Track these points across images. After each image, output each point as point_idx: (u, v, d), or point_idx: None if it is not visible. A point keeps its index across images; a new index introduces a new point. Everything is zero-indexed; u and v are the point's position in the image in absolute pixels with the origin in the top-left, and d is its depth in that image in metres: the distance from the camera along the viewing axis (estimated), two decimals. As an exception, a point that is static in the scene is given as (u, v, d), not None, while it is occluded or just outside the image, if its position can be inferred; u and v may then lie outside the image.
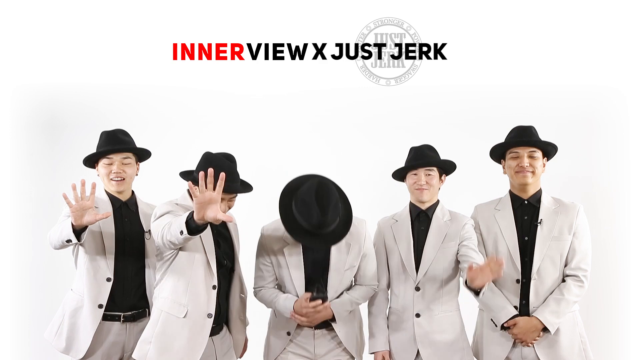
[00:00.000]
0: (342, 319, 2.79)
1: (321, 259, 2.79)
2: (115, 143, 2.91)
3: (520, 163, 2.87)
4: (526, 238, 2.86)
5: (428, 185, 2.91)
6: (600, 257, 3.01)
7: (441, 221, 2.92)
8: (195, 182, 2.50)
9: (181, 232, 2.31)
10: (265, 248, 2.84)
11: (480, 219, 2.98)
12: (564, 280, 2.83)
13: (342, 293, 2.83)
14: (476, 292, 2.67)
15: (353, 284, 2.91)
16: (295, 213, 2.66)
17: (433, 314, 2.88)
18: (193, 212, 2.29)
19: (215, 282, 2.62)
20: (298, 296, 2.77)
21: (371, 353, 2.98)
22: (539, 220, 2.85)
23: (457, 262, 2.89)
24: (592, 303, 2.90)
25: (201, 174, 2.25)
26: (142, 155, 3.02)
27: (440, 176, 2.96)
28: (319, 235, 2.66)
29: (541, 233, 2.84)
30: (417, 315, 2.88)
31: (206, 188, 2.26)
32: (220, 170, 2.35)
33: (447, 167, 2.97)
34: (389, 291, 3.02)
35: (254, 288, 2.90)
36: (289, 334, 2.83)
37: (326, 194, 2.64)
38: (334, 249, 2.79)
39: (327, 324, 2.79)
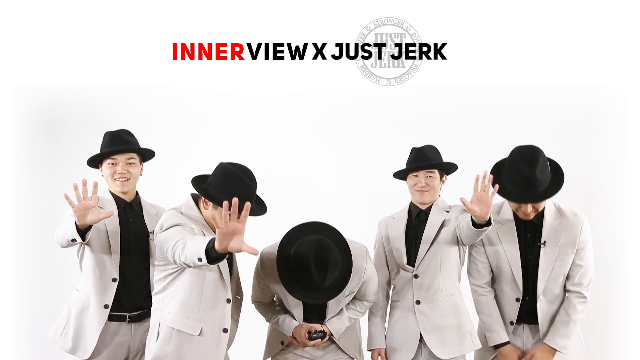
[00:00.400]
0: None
1: None
2: (119, 143, 2.90)
3: (524, 211, 2.77)
4: (529, 256, 2.82)
5: (429, 187, 2.91)
6: (600, 257, 3.00)
7: (440, 210, 2.92)
8: (210, 197, 2.44)
9: (199, 259, 2.17)
10: (263, 273, 2.75)
11: None
12: (565, 293, 2.83)
13: (341, 309, 2.81)
14: (488, 224, 2.60)
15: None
16: (294, 273, 2.55)
17: (434, 299, 2.86)
18: (213, 239, 2.14)
19: (229, 296, 2.56)
20: (296, 318, 2.76)
21: (369, 350, 2.99)
22: (542, 242, 2.80)
23: (455, 245, 2.87)
24: (592, 304, 2.89)
25: (225, 204, 2.06)
26: (146, 155, 3.01)
27: (442, 177, 2.96)
28: (318, 290, 2.57)
29: (545, 256, 2.79)
30: (418, 302, 2.87)
31: (230, 217, 2.07)
32: (241, 191, 2.26)
33: (448, 169, 2.97)
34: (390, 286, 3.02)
35: (252, 299, 2.88)
36: (282, 343, 2.84)
37: (325, 256, 2.50)
38: None
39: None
